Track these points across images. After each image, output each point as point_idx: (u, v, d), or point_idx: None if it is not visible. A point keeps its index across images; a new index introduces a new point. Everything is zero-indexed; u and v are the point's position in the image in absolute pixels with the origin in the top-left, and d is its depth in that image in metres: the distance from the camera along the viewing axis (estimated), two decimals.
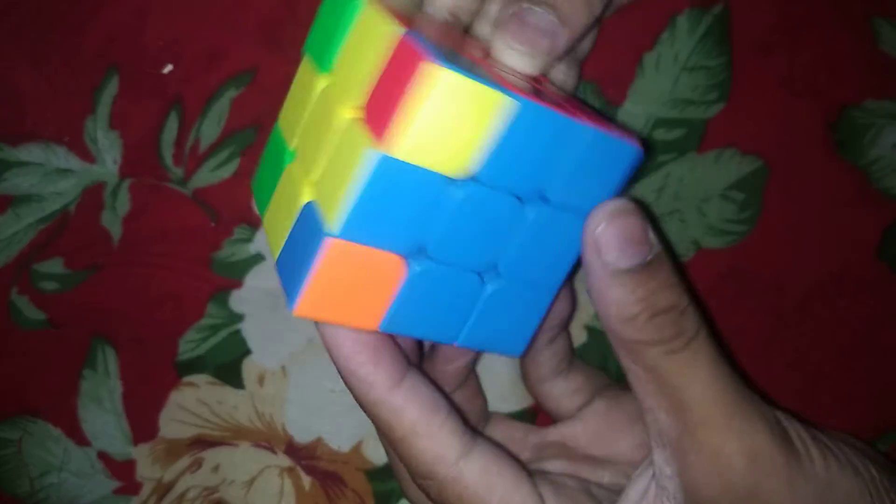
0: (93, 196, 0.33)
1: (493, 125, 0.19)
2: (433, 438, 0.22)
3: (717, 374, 0.20)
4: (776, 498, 0.20)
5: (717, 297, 0.32)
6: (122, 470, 0.32)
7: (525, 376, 0.29)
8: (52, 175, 0.33)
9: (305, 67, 0.24)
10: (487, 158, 0.19)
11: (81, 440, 0.32)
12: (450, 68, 0.18)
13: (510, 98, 0.19)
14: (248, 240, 0.33)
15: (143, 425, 0.32)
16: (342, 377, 0.22)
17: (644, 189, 0.32)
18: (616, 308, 0.20)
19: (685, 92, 0.32)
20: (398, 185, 0.19)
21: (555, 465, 0.26)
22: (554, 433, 0.28)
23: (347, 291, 0.20)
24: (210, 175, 0.33)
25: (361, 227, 0.19)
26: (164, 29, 0.34)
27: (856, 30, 0.32)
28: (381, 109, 0.19)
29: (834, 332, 0.32)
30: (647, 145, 0.22)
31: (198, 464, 0.32)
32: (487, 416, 0.29)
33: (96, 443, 0.32)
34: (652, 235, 0.20)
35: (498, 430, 0.29)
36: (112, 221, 0.33)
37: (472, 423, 0.28)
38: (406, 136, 0.18)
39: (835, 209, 0.32)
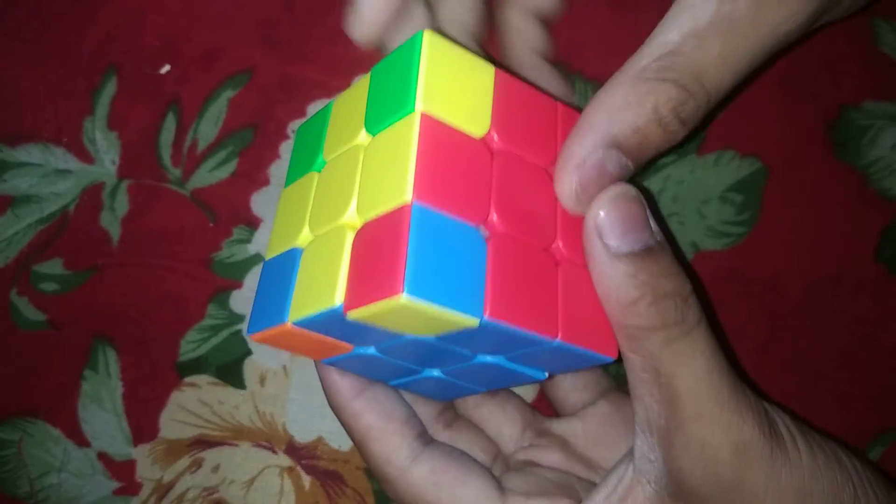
0: (92, 197, 0.33)
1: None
2: (384, 443, 0.24)
3: (712, 366, 0.20)
4: (760, 489, 0.21)
5: (716, 299, 0.32)
6: (122, 470, 0.32)
7: None
8: (51, 176, 0.33)
9: (290, 195, 0.24)
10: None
11: (81, 441, 0.32)
12: (419, 299, 0.17)
13: (467, 316, 0.18)
14: (247, 240, 0.33)
15: (143, 426, 0.32)
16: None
17: None
18: (616, 292, 0.20)
19: None
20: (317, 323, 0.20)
21: (551, 458, 0.27)
22: (557, 426, 0.28)
23: (298, 342, 0.22)
24: (208, 175, 0.33)
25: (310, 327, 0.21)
26: (162, 29, 0.34)
27: (855, 30, 0.32)
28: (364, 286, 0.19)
29: (832, 333, 0.32)
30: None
31: (198, 464, 0.32)
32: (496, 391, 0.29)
33: (96, 443, 0.32)
34: (653, 222, 0.20)
35: (509, 407, 0.29)
36: (111, 222, 0.33)
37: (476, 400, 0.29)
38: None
39: (833, 210, 0.32)
